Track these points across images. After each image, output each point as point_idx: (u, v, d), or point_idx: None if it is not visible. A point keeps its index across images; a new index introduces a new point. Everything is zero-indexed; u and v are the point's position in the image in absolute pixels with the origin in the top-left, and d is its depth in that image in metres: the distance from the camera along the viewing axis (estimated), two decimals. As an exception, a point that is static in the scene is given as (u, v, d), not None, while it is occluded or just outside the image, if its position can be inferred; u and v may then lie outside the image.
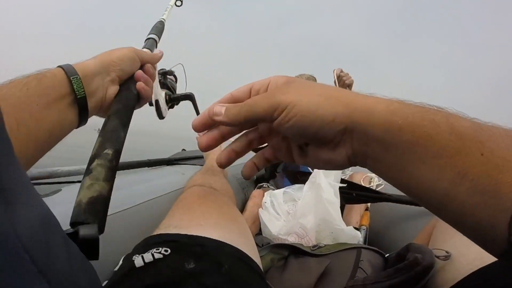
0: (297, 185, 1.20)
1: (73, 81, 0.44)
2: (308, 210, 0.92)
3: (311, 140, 0.31)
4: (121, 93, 0.52)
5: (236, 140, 0.36)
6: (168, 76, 0.86)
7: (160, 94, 0.74)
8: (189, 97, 0.84)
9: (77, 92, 0.45)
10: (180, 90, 0.91)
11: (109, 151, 0.39)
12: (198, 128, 0.35)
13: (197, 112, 0.86)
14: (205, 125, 0.35)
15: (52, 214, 0.24)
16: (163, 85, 0.83)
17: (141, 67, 0.57)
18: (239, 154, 0.36)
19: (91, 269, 0.28)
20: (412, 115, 0.26)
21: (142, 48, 0.65)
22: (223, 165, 0.36)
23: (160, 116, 0.75)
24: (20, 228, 0.18)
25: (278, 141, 0.35)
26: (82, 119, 0.48)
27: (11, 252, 0.17)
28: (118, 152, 0.40)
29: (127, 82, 0.54)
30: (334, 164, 0.32)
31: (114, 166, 0.39)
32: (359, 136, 0.28)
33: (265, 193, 1.19)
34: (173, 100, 0.81)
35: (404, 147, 0.26)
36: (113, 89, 0.52)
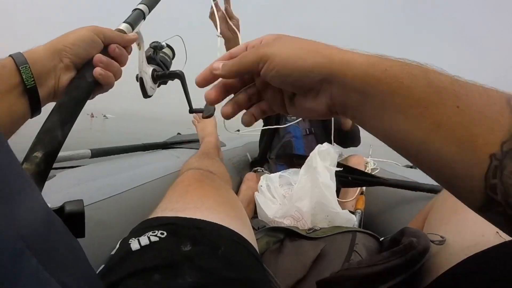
0: (293, 169, 1.20)
1: (22, 71, 0.42)
2: (304, 193, 0.92)
3: (293, 88, 0.34)
4: (72, 82, 0.48)
5: (237, 94, 0.40)
6: (160, 51, 0.78)
7: (146, 71, 0.69)
8: (178, 75, 0.75)
9: (26, 82, 0.43)
10: (179, 65, 0.81)
11: (38, 154, 0.37)
12: (201, 83, 0.39)
13: (186, 93, 0.78)
14: (207, 80, 0.39)
15: (51, 211, 0.24)
16: (153, 60, 0.75)
17: (106, 48, 0.52)
18: (240, 106, 0.40)
19: (81, 254, 0.28)
20: (390, 67, 0.27)
21: (125, 21, 0.58)
22: (229, 115, 0.40)
23: (145, 94, 0.69)
24: (21, 225, 0.18)
25: (272, 93, 0.38)
26: (34, 109, 0.45)
27: (11, 249, 0.17)
28: (49, 155, 0.38)
29: (83, 68, 0.50)
30: (317, 113, 0.35)
31: (43, 171, 0.36)
32: (338, 86, 0.30)
33: (261, 177, 1.19)
34: (160, 78, 0.74)
35: (382, 97, 0.27)
36: (68, 76, 0.48)
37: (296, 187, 0.95)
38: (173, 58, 0.81)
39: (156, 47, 0.77)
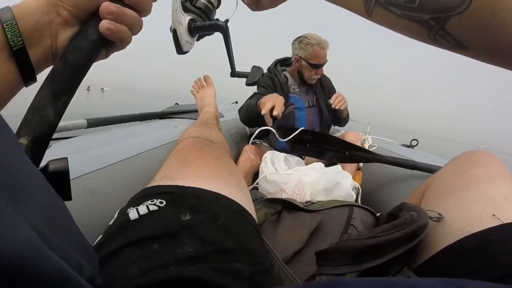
0: (297, 158, 1.24)
1: (6, 29, 0.33)
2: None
3: None
4: (71, 42, 0.38)
5: None
6: None
7: (180, 21, 0.57)
8: (220, 28, 0.60)
9: (11, 43, 0.34)
10: (226, 16, 0.63)
11: (23, 141, 0.30)
12: None
13: (228, 50, 0.62)
14: None
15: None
16: (191, 8, 0.60)
17: None
18: None
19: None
20: None
21: None
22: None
23: (179, 50, 0.56)
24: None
25: None
26: (27, 76, 0.36)
27: None
28: (38, 141, 0.31)
29: (86, 22, 0.39)
30: None
31: (31, 160, 0.29)
32: None
33: (267, 151, 1.20)
34: (198, 30, 0.59)
35: None
36: (68, 33, 0.38)
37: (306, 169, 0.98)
38: (217, 7, 0.65)
39: (195, -8, 0.62)
